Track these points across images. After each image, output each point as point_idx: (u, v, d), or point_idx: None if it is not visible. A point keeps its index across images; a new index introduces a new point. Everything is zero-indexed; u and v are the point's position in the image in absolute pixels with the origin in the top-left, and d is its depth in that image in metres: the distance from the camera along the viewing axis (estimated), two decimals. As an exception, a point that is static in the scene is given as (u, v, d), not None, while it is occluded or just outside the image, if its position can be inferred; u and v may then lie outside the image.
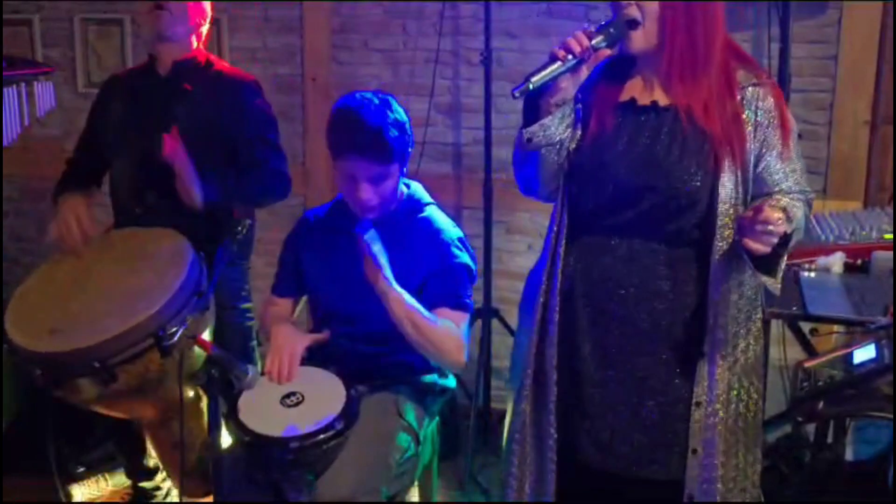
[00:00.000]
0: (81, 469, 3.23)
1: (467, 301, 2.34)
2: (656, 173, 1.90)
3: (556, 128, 1.92)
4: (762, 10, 3.20)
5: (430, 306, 2.27)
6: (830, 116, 3.30)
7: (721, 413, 1.93)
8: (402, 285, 2.28)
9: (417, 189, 2.46)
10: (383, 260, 2.18)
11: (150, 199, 2.69)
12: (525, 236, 3.74)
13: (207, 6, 2.81)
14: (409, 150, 2.35)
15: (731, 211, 1.88)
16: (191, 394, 2.44)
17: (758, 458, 2.04)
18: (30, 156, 4.07)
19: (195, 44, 2.78)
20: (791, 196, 1.89)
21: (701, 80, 1.88)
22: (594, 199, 1.97)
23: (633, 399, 1.97)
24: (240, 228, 2.57)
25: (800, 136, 3.17)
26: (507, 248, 3.75)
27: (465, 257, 2.35)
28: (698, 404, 1.93)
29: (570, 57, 1.84)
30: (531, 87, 1.83)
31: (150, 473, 2.95)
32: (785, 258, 1.84)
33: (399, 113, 2.31)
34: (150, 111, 2.71)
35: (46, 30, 4.18)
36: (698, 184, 1.88)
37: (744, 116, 1.89)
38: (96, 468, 3.26)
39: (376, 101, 2.29)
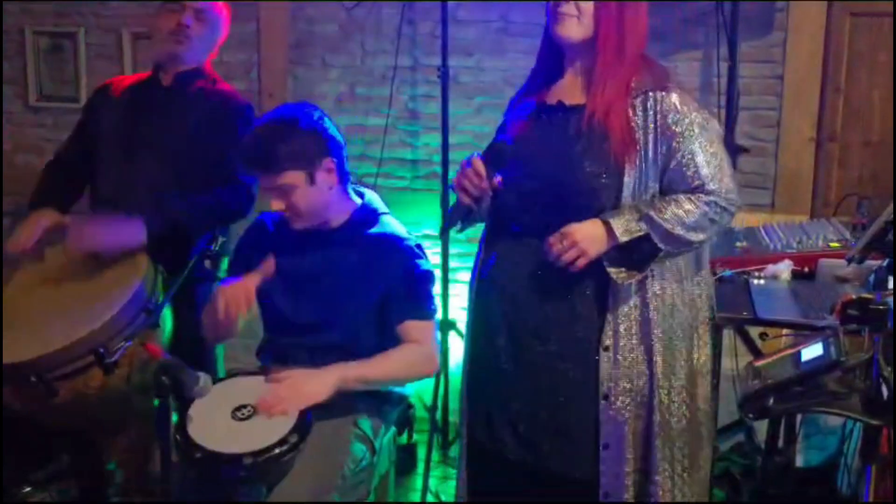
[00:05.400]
0: (27, 489, 3.11)
1: (432, 308, 2.35)
2: (563, 171, 1.99)
3: (475, 217, 2.13)
4: (711, 30, 3.30)
5: (396, 320, 2.29)
6: (777, 133, 3.40)
7: (632, 406, 2.01)
8: (363, 298, 2.30)
9: (372, 199, 2.44)
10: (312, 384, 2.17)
11: (134, 208, 2.58)
12: (481, 251, 3.76)
13: (227, 22, 2.78)
14: (325, 157, 2.28)
15: None
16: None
17: (701, 460, 2.12)
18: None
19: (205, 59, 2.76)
20: (697, 194, 1.97)
21: (615, 83, 1.97)
22: (510, 197, 2.06)
23: (545, 390, 2.05)
24: (212, 245, 2.52)
25: (747, 150, 3.32)
26: (462, 264, 3.77)
27: (426, 264, 2.36)
28: (605, 397, 2.01)
29: (472, 200, 2.02)
30: (458, 231, 2.13)
31: (104, 487, 2.89)
32: (656, 254, 1.97)
33: (306, 121, 2.27)
34: (148, 121, 2.67)
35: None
36: (603, 181, 1.98)
37: (642, 119, 1.97)
38: (43, 487, 3.13)
39: (281, 114, 2.29)
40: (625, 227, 1.93)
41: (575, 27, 1.97)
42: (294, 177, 2.24)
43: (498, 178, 2.00)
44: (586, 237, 1.95)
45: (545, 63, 2.10)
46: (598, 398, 2.01)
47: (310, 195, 2.27)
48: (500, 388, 2.11)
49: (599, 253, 1.96)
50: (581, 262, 1.95)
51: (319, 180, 2.28)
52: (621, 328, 2.01)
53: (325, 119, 2.32)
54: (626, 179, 1.97)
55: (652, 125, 1.97)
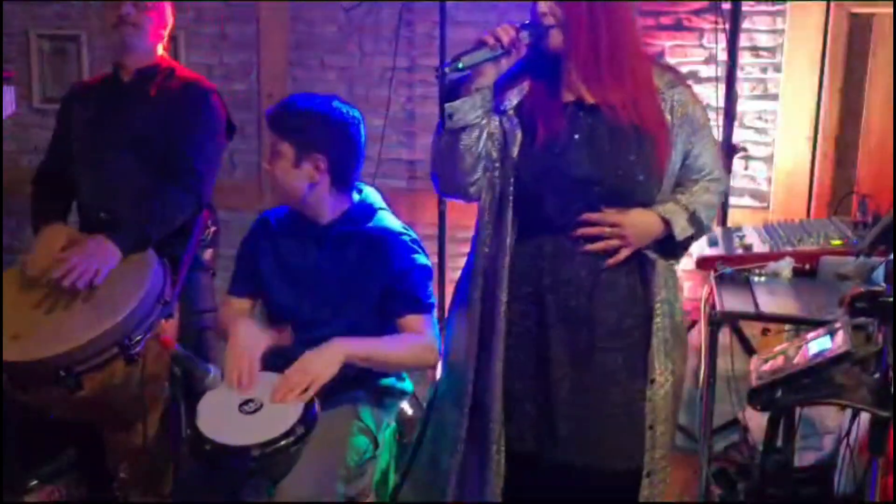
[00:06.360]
0: (34, 482, 3.11)
1: (430, 301, 2.36)
2: (612, 172, 1.98)
3: (476, 110, 1.97)
4: (711, 30, 3.32)
5: (394, 313, 2.31)
6: (776, 133, 3.41)
7: (665, 388, 2.05)
8: (363, 294, 2.31)
9: (369, 194, 2.45)
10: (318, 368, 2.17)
11: (115, 205, 2.66)
12: (479, 251, 3.76)
13: (169, 13, 2.83)
14: (316, 151, 2.29)
15: None
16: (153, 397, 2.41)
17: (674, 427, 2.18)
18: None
19: (159, 51, 2.80)
20: (707, 182, 2.08)
21: (608, 81, 1.97)
22: (549, 201, 2.01)
23: (603, 393, 2.03)
24: (204, 235, 2.71)
25: (746, 150, 3.33)
26: (460, 264, 3.75)
27: (422, 258, 2.37)
28: (653, 381, 2.03)
29: (498, 46, 1.91)
30: (460, 66, 1.90)
31: (109, 483, 2.88)
32: (689, 245, 2.09)
33: (324, 111, 2.31)
34: (113, 118, 2.71)
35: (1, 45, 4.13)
36: (648, 180, 1.99)
37: (669, 116, 2.00)
38: (51, 480, 3.13)
39: (318, 97, 2.35)
40: (681, 225, 2.01)
41: (557, 36, 1.96)
42: (285, 148, 2.30)
43: (527, 41, 1.95)
44: (637, 229, 1.99)
45: (542, 61, 2.05)
46: (644, 384, 2.03)
47: (289, 176, 2.31)
48: (564, 400, 2.05)
49: (643, 245, 2.01)
50: (623, 254, 1.99)
51: (304, 168, 2.30)
52: (660, 313, 2.04)
53: (351, 125, 2.34)
54: (665, 175, 2.01)
55: (678, 120, 2.02)
